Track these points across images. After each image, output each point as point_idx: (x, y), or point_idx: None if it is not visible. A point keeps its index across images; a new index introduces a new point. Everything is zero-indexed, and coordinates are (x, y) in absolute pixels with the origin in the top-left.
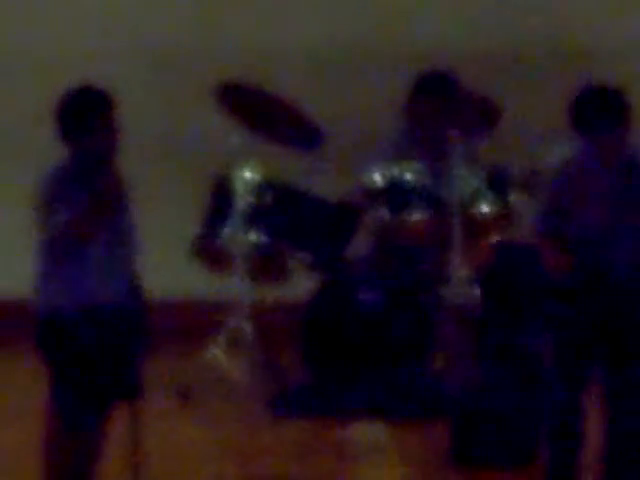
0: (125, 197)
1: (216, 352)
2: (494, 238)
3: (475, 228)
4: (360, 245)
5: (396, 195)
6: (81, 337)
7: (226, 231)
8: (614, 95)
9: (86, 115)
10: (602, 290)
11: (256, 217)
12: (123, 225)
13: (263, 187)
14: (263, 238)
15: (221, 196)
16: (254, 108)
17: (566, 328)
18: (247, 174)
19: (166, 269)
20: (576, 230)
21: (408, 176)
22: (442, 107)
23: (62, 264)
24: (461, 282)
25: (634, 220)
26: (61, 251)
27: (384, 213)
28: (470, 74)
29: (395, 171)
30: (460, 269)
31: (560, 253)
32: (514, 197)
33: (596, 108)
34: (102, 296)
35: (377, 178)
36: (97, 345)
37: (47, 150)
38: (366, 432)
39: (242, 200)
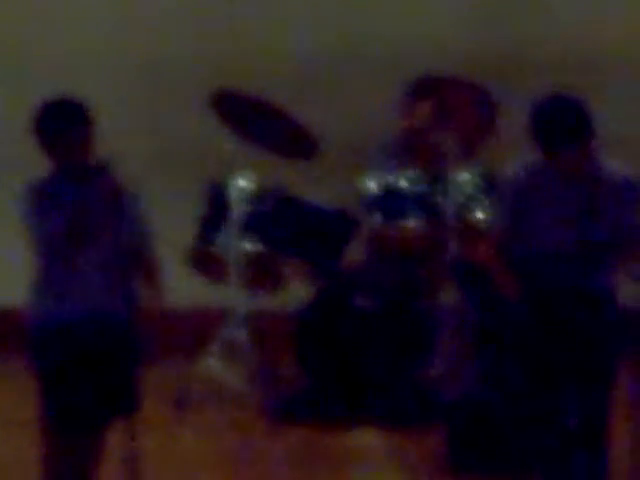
0: (120, 205)
1: (212, 360)
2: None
3: (470, 234)
4: (356, 252)
5: (391, 202)
6: (74, 348)
7: (221, 239)
8: (574, 108)
9: (60, 127)
10: (568, 304)
11: (251, 225)
12: (118, 233)
13: (258, 195)
14: (258, 246)
15: (216, 204)
16: (249, 116)
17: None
18: (242, 182)
19: (162, 277)
20: (530, 247)
21: (403, 183)
22: (437, 113)
23: (54, 274)
24: (456, 288)
25: (593, 236)
26: (52, 261)
27: (379, 220)
28: (466, 78)
29: (390, 178)
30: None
31: (509, 278)
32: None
33: (555, 123)
34: (96, 306)
35: (372, 185)
36: (91, 357)
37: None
38: (363, 439)
39: (237, 208)
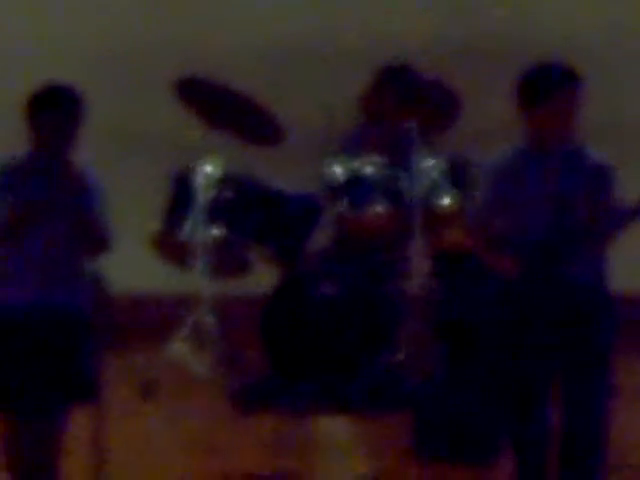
0: (81, 193)
1: (179, 346)
2: (455, 230)
3: (436, 221)
4: (321, 238)
5: (356, 188)
6: (29, 333)
7: (187, 225)
8: (559, 68)
9: (55, 112)
10: (552, 291)
11: (217, 211)
12: (79, 219)
13: (224, 181)
14: (224, 232)
15: (182, 190)
16: (215, 103)
17: (520, 337)
18: (208, 168)
19: (128, 264)
20: (518, 227)
21: (368, 169)
22: (402, 100)
23: (8, 259)
24: (422, 275)
25: (576, 213)
26: (9, 244)
27: (345, 206)
28: (430, 67)
29: (355, 165)
30: (421, 262)
31: (503, 254)
32: (475, 189)
33: (542, 78)
34: (53, 292)
35: (338, 172)
36: (47, 342)
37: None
38: (329, 426)
39: (203, 194)
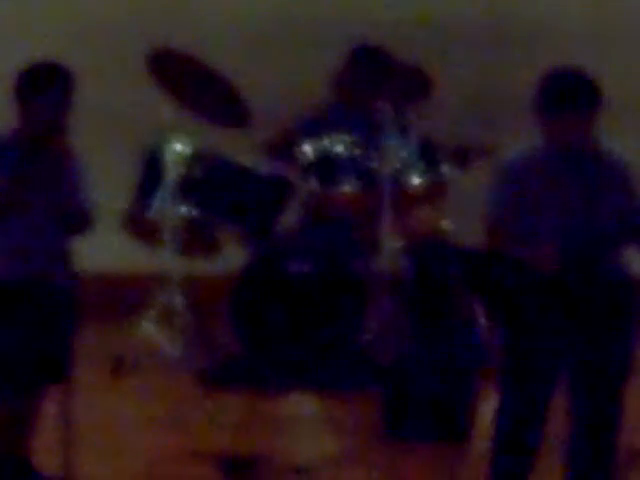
0: (65, 170)
1: (148, 325)
2: (426, 209)
3: (406, 199)
4: (291, 217)
5: (327, 167)
6: (7, 312)
7: (156, 204)
8: (586, 77)
9: (45, 88)
10: (569, 285)
11: (186, 189)
12: (59, 198)
13: (193, 159)
14: (194, 211)
15: (151, 168)
16: (184, 77)
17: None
18: (177, 146)
19: (96, 242)
20: (537, 224)
21: (339, 148)
22: (373, 79)
23: None
24: (392, 253)
25: (593, 211)
26: None
27: (315, 185)
28: (403, 47)
29: (326, 143)
30: (391, 241)
31: (539, 245)
32: (446, 168)
33: (568, 86)
34: (32, 271)
35: (308, 150)
36: (19, 322)
37: None
38: (298, 404)
39: (172, 172)
